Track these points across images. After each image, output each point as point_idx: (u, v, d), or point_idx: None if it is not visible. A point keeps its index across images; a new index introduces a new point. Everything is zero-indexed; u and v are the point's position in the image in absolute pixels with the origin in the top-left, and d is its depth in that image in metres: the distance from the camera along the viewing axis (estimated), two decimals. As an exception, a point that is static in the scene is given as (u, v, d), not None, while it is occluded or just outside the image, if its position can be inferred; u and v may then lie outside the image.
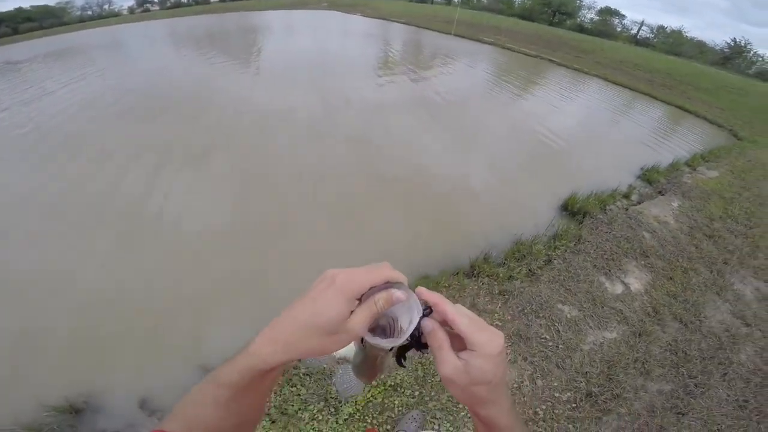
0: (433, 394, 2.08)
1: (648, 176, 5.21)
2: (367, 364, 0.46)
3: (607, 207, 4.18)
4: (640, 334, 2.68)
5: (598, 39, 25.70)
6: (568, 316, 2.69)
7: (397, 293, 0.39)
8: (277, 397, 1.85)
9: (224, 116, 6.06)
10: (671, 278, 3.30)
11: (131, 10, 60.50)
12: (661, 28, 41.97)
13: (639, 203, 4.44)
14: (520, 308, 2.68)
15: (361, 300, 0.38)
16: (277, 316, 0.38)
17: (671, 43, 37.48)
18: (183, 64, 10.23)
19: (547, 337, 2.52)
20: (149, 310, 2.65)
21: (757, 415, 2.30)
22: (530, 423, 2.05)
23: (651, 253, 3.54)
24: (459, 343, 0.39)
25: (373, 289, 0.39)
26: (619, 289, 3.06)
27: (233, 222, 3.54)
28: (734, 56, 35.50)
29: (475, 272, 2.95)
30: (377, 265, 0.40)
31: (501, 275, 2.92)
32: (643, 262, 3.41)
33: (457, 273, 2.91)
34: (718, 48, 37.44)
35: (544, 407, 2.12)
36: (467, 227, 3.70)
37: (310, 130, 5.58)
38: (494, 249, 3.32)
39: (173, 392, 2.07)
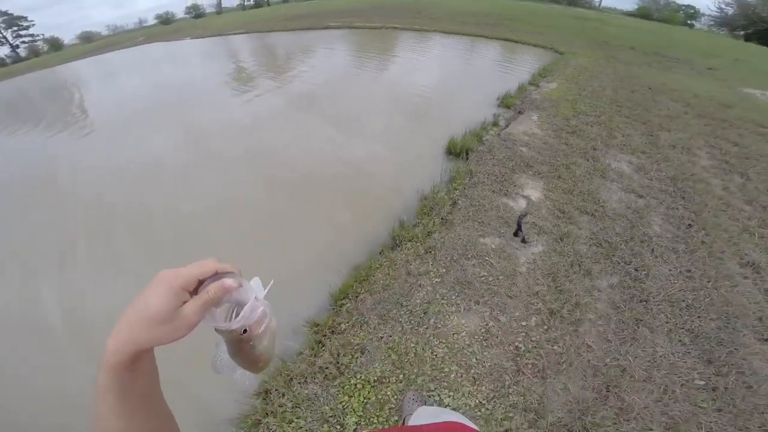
0: (415, 370, 1.97)
1: (505, 102, 5.78)
2: (234, 350, 0.48)
3: (483, 138, 4.48)
4: (561, 239, 2.85)
5: None
6: (493, 246, 2.75)
7: (227, 281, 0.43)
8: None
9: (73, 193, 4.75)
10: (559, 177, 3.63)
11: None
12: None
13: (507, 126, 4.86)
14: (449, 258, 2.65)
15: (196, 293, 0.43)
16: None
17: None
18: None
19: (485, 273, 2.52)
20: None
21: (708, 280, 2.53)
22: (517, 359, 2.00)
23: (533, 162, 3.87)
24: None
25: (207, 281, 0.43)
26: (522, 203, 3.26)
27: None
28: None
29: (397, 242, 2.92)
30: (203, 261, 0.44)
31: (420, 235, 2.89)
32: (530, 172, 3.70)
33: (382, 250, 2.87)
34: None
35: (520, 339, 2.11)
36: (379, 204, 3.63)
37: (186, 171, 4.79)
38: (406, 213, 3.29)
39: None
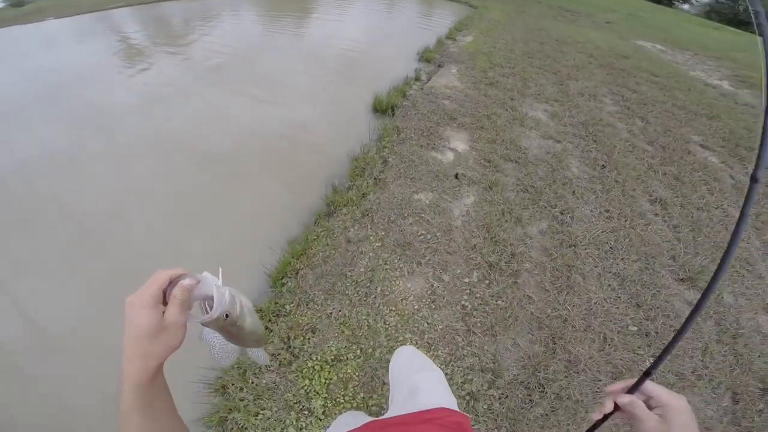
0: (371, 343, 1.87)
1: (425, 56, 5.66)
2: (229, 338, 0.53)
3: (407, 93, 4.33)
4: (490, 187, 2.84)
5: None
6: (427, 202, 2.66)
7: (185, 281, 0.47)
8: (254, 431, 1.66)
9: None
10: (482, 128, 3.62)
11: None
12: None
13: (429, 80, 4.75)
14: (386, 219, 2.53)
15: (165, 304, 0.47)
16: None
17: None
18: None
19: (423, 232, 2.42)
20: None
21: (625, 219, 2.67)
22: (466, 318, 1.96)
23: (456, 114, 3.81)
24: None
25: (168, 289, 0.47)
26: (450, 156, 3.19)
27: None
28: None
29: (332, 209, 2.75)
30: (154, 275, 0.47)
31: (354, 198, 2.73)
32: (455, 125, 3.64)
33: (318, 219, 2.69)
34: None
35: (466, 297, 2.06)
36: (308, 171, 3.34)
37: (90, 163, 3.76)
38: (338, 177, 3.08)
39: None
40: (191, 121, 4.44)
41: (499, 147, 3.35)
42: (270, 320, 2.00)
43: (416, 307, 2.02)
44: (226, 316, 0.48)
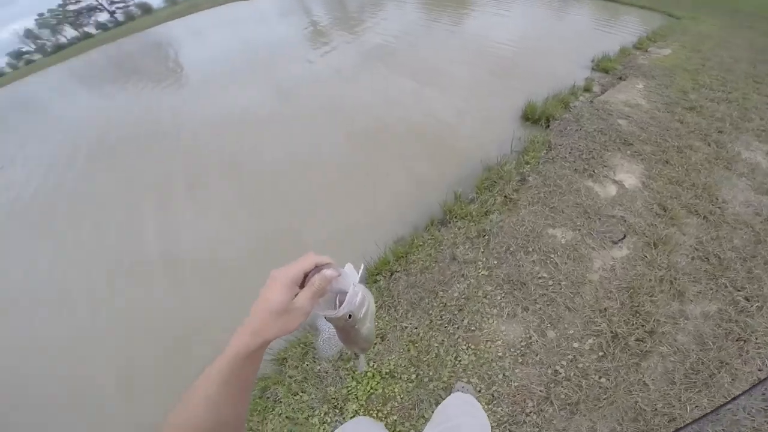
0: (431, 373, 1.75)
1: (602, 65, 4.75)
2: (343, 336, 0.54)
3: (571, 105, 3.66)
4: (655, 244, 2.13)
5: None
6: (563, 241, 2.14)
7: (328, 272, 0.48)
8: (285, 407, 1.76)
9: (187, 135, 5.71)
10: (667, 162, 2.78)
11: (14, 67, 55.68)
12: None
13: (602, 93, 3.93)
14: (504, 247, 2.19)
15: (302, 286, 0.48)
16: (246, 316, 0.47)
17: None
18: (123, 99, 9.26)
19: (545, 275, 1.98)
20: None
21: None
22: (551, 385, 1.58)
23: (633, 139, 3.02)
24: None
25: (310, 274, 0.48)
26: (612, 190, 2.50)
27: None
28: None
29: (447, 218, 2.54)
30: (304, 256, 0.49)
31: (475, 213, 2.45)
32: (628, 152, 2.88)
33: (429, 225, 2.52)
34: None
35: (564, 363, 1.65)
36: (437, 168, 3.28)
37: (269, 123, 5.23)
38: (464, 183, 2.85)
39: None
40: (356, 93, 5.32)
41: (685, 192, 2.49)
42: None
43: (500, 354, 1.77)
44: (349, 316, 0.49)
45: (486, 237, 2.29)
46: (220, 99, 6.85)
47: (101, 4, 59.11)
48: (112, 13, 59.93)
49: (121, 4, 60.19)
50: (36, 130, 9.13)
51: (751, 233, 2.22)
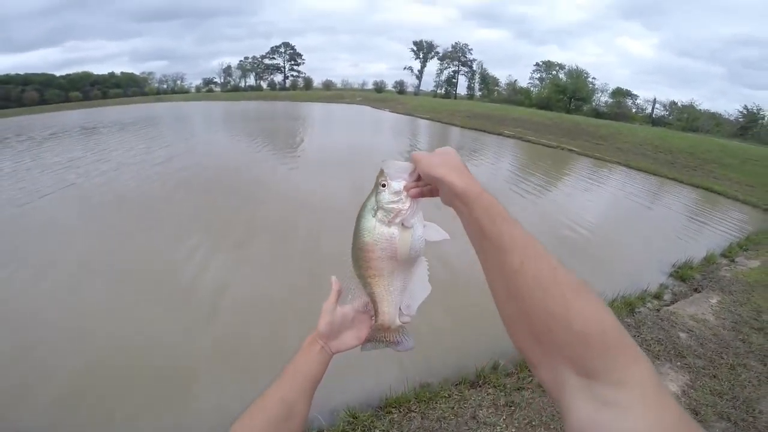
0: None
1: (681, 273, 5.01)
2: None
3: (636, 310, 4.10)
4: None
5: (615, 123, 26.38)
6: None
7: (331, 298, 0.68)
8: None
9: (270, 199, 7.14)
10: (715, 376, 3.20)
11: (198, 89, 73.69)
12: (673, 103, 43.40)
13: (672, 303, 4.37)
14: (527, 420, 2.43)
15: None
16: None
17: (686, 118, 38.55)
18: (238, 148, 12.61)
19: None
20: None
21: None
22: None
23: (688, 353, 3.49)
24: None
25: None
26: None
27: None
28: (750, 125, 36.01)
29: (480, 382, 2.80)
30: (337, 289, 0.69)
31: (509, 386, 2.70)
32: (678, 364, 3.36)
33: (460, 382, 2.77)
34: (732, 118, 38.27)
35: None
36: (481, 331, 3.47)
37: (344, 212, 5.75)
38: (504, 357, 3.07)
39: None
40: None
41: (723, 402, 2.85)
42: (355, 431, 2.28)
43: None
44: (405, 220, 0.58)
45: (512, 407, 2.47)
46: (312, 178, 8.46)
47: (283, 68, 74.70)
48: (285, 78, 74.69)
49: (294, 73, 75.10)
50: (171, 138, 12.92)
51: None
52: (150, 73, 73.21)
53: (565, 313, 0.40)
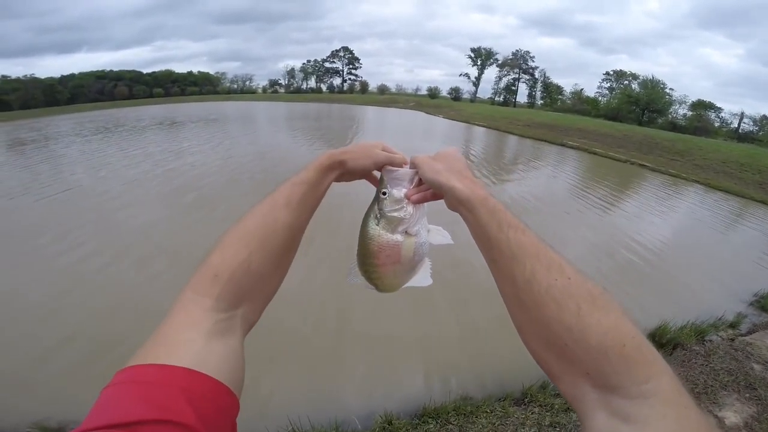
0: None
1: (763, 303, 4.63)
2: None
3: (706, 338, 3.87)
4: None
5: (695, 138, 23.69)
6: None
7: (396, 162, 0.64)
8: None
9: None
10: None
11: (264, 89, 79.19)
12: (765, 118, 38.23)
13: (749, 333, 4.08)
14: None
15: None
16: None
17: (779, 134, 33.44)
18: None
19: None
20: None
21: None
22: None
23: (760, 384, 3.30)
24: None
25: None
26: (712, 421, 2.90)
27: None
28: None
29: (526, 400, 2.73)
30: (397, 153, 0.66)
31: (557, 406, 2.62)
32: (747, 395, 3.20)
33: (504, 398, 2.70)
34: (834, 136, 32.42)
35: None
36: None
37: None
38: None
39: None
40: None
41: None
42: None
43: None
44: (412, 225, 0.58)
45: (557, 428, 2.40)
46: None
47: (342, 72, 78.77)
48: (343, 81, 78.75)
49: (353, 77, 78.91)
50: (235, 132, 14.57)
51: None
52: (223, 73, 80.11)
53: (581, 326, 0.38)
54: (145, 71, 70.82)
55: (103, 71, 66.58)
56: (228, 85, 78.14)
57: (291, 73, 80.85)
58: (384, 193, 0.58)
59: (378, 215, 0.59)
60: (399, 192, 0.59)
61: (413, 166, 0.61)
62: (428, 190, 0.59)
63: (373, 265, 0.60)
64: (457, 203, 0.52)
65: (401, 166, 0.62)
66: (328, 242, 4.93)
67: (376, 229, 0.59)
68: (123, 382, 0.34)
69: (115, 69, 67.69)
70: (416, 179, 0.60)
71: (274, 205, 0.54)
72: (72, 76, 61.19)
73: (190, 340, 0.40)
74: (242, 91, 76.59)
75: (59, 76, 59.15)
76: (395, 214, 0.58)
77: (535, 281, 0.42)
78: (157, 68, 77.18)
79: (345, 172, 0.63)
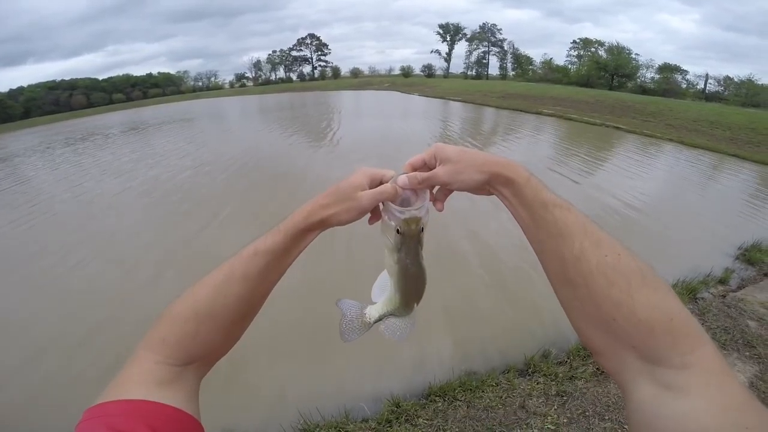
0: None
1: (749, 256, 4.60)
2: (409, 252, 0.54)
3: (698, 296, 3.86)
4: None
5: (665, 99, 24.47)
6: None
7: (401, 177, 0.55)
8: None
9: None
10: None
11: (231, 84, 77.10)
12: (728, 78, 39.57)
13: (739, 289, 4.06)
14: (580, 410, 2.35)
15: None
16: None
17: (745, 94, 35.05)
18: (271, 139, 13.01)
19: None
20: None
21: None
22: None
23: (758, 342, 3.27)
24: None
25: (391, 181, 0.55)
26: None
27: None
28: (820, 97, 32.02)
29: (529, 370, 2.72)
30: (388, 171, 0.56)
31: (561, 375, 2.61)
32: (747, 353, 3.17)
33: (508, 371, 2.69)
34: (797, 92, 34.24)
35: None
36: (530, 319, 3.35)
37: None
38: (555, 345, 2.96)
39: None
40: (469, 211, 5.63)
41: None
42: (398, 418, 2.26)
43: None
44: (422, 229, 0.52)
45: (564, 397, 2.39)
46: (342, 163, 8.68)
47: (311, 59, 77.06)
48: (314, 68, 77.15)
49: (323, 63, 77.38)
50: (211, 131, 14.62)
51: None
52: (185, 72, 77.42)
53: (631, 302, 0.39)
54: (100, 77, 68.06)
55: (54, 81, 63.26)
56: (192, 83, 75.98)
57: (257, 65, 78.83)
58: (399, 232, 0.53)
59: (410, 249, 0.54)
60: (418, 221, 0.54)
61: (421, 180, 0.55)
62: (433, 189, 0.58)
63: (424, 289, 0.59)
64: (502, 186, 0.51)
65: (396, 193, 0.54)
66: (325, 237, 4.88)
67: (420, 263, 0.56)
68: (92, 417, 0.39)
69: (67, 78, 64.86)
70: (423, 194, 0.56)
71: (230, 276, 0.49)
72: (21, 89, 58.69)
73: (145, 382, 0.43)
74: (208, 88, 74.65)
75: (7, 90, 57.01)
76: (421, 232, 0.54)
77: (584, 258, 0.42)
78: (113, 73, 74.15)
79: (327, 228, 0.55)
